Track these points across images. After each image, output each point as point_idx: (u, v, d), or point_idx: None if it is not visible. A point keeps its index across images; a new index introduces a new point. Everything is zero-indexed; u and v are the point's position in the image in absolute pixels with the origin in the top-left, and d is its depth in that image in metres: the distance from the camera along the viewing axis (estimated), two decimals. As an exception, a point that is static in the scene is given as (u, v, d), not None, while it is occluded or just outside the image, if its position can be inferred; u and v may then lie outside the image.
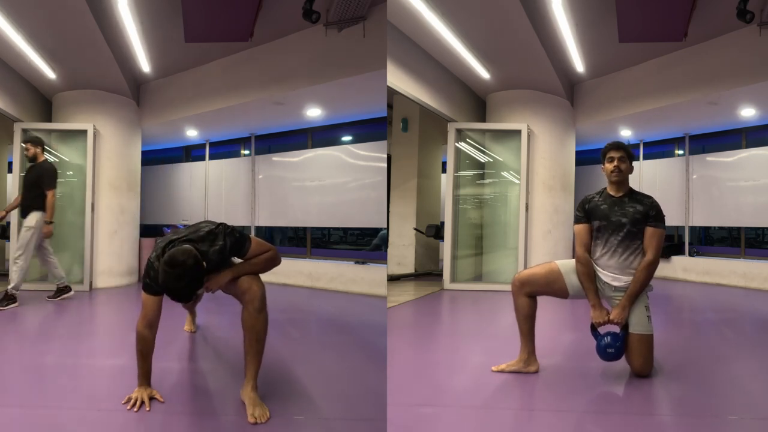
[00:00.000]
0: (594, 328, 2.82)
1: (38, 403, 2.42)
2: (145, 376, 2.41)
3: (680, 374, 2.88)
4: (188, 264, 2.16)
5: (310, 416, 2.31)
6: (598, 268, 2.84)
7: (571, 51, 5.68)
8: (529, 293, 2.84)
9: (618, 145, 2.83)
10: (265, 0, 4.64)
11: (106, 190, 6.28)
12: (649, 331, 2.75)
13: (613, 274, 2.80)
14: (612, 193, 2.85)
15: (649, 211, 2.75)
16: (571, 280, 2.85)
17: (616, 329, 2.79)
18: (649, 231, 2.74)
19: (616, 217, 2.77)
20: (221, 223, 2.44)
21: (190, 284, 2.18)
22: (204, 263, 2.25)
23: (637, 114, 6.44)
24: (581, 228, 2.87)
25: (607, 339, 2.72)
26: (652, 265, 2.73)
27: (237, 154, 7.81)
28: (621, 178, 2.81)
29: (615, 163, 2.79)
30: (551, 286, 2.86)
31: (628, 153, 2.82)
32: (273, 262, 2.50)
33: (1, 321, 4.54)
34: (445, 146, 6.53)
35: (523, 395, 2.59)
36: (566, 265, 2.89)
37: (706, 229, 8.25)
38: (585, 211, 2.87)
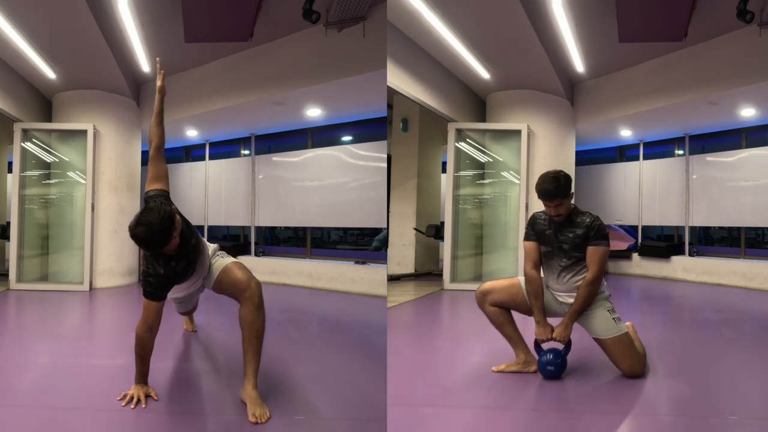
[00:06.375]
0: (537, 345, 2.83)
1: (38, 403, 2.42)
2: (142, 376, 2.43)
3: (680, 374, 2.89)
4: (163, 225, 2.26)
5: (310, 416, 2.31)
6: (551, 289, 2.86)
7: (571, 51, 5.68)
8: (494, 303, 2.85)
9: (549, 195, 2.67)
10: (265, 0, 4.64)
11: (106, 190, 6.28)
12: (621, 331, 2.73)
13: (566, 293, 2.81)
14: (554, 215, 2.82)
15: (589, 233, 2.72)
16: None
17: (560, 346, 2.80)
18: (590, 250, 2.72)
19: (558, 243, 2.77)
20: (199, 238, 2.55)
21: (158, 237, 2.26)
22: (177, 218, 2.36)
23: (637, 114, 6.43)
24: (530, 245, 2.86)
25: (549, 356, 2.73)
26: (593, 284, 2.70)
27: (237, 154, 7.81)
28: (563, 218, 2.76)
29: (552, 211, 2.74)
30: (514, 299, 2.86)
31: (562, 194, 2.68)
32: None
33: (1, 321, 4.55)
34: (445, 146, 6.52)
35: (523, 395, 2.59)
36: None
37: (706, 229, 8.24)
38: (534, 230, 2.86)
